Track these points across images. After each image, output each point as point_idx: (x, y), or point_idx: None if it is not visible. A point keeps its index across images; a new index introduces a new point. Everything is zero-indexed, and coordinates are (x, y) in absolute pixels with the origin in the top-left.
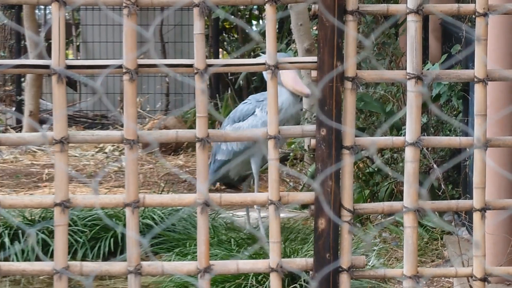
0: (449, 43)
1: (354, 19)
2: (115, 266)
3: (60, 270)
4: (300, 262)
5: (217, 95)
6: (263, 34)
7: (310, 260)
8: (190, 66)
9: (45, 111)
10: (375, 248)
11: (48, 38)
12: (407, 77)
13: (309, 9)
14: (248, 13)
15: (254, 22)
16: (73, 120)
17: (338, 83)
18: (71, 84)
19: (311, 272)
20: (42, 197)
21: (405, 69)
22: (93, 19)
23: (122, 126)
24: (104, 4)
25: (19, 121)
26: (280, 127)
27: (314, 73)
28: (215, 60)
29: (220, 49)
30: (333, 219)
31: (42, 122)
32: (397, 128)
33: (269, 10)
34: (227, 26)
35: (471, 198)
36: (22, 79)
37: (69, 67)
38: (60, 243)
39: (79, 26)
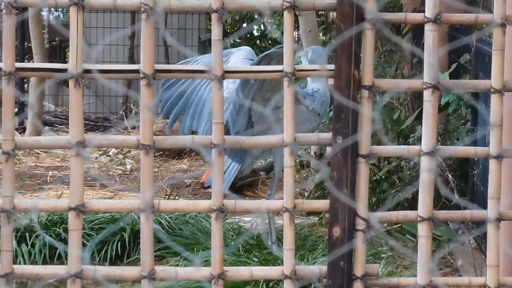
0: (456, 51)
1: (372, 27)
2: (128, 271)
3: (74, 274)
4: (314, 270)
5: None
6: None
7: (324, 268)
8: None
9: (47, 113)
10: (383, 256)
11: (51, 40)
12: (424, 86)
13: (318, 16)
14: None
15: (255, 27)
16: None
17: (355, 91)
18: None
19: (324, 280)
20: (57, 201)
21: (410, 76)
22: (97, 22)
23: (124, 129)
24: (122, 8)
25: (21, 123)
26: (296, 134)
27: (331, 81)
28: (232, 66)
29: None
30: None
31: (45, 124)
32: (405, 137)
33: (287, 17)
34: (228, 31)
35: (479, 207)
36: (25, 80)
37: (86, 71)
38: (74, 247)
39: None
